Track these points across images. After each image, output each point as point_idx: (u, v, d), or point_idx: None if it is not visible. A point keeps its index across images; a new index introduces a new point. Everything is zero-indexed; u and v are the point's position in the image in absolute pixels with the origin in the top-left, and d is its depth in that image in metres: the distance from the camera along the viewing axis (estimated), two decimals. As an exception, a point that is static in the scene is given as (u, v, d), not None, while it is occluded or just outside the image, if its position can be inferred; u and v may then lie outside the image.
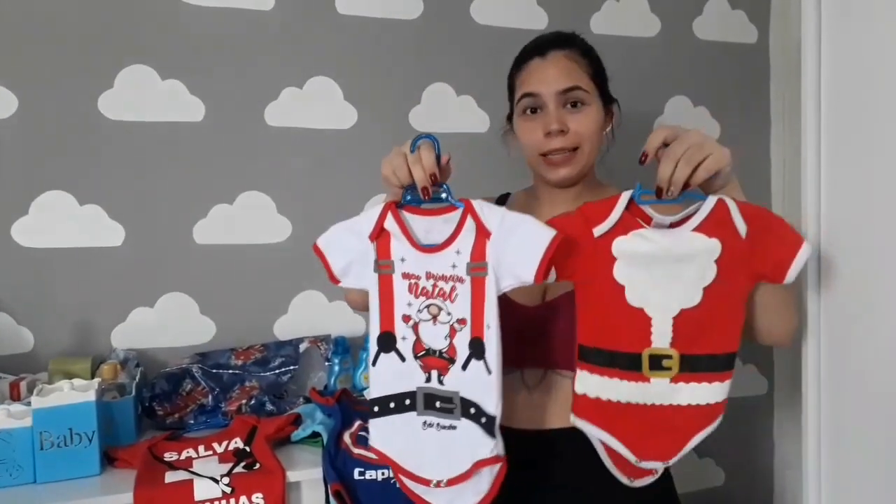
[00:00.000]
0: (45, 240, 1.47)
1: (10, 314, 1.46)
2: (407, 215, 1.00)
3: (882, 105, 1.01)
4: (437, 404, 0.97)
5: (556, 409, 1.07)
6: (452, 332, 0.98)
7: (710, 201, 0.94)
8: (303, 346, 1.51)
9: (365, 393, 1.43)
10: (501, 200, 1.28)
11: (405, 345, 1.00)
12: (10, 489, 1.13)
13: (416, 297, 0.99)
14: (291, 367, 1.47)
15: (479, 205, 0.97)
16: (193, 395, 1.39)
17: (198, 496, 1.12)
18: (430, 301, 0.99)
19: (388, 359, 1.00)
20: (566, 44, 1.15)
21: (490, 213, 0.96)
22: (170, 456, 1.23)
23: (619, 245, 0.95)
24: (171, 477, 1.15)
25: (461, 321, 0.97)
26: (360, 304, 1.09)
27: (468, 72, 1.72)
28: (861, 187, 1.05)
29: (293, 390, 1.49)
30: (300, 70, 1.62)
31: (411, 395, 0.99)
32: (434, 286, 0.98)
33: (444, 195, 0.99)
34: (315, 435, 1.24)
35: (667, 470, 1.14)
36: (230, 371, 1.46)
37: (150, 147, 1.53)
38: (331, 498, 1.10)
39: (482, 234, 0.95)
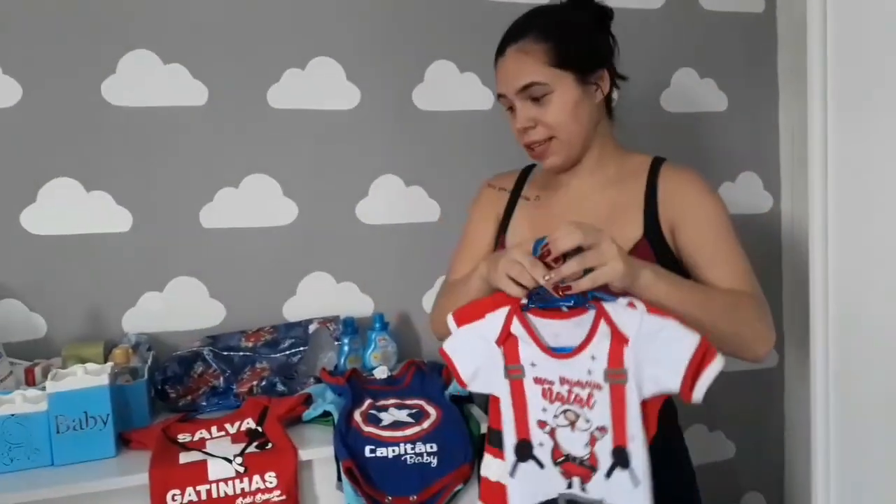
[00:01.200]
0: (54, 227, 1.49)
1: (22, 301, 1.48)
2: (534, 319, 0.97)
3: (888, 74, 1.00)
4: None
5: None
6: (593, 441, 0.93)
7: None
8: (312, 328, 1.52)
9: (375, 372, 1.44)
10: (525, 172, 1.31)
11: (543, 451, 0.95)
12: (28, 472, 1.14)
13: (552, 402, 0.95)
14: (301, 349, 1.48)
15: (612, 308, 0.92)
16: (205, 378, 1.41)
17: (212, 476, 1.13)
18: (567, 407, 0.95)
19: (526, 467, 0.96)
20: (520, 34, 1.13)
21: (626, 318, 0.91)
22: (183, 437, 1.24)
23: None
24: (185, 458, 1.16)
25: (601, 429, 0.92)
26: (444, 333, 1.07)
27: (471, 49, 1.70)
28: (869, 157, 1.04)
29: (303, 371, 1.50)
30: (302, 51, 1.61)
31: (553, 502, 0.95)
32: (570, 392, 0.94)
33: (572, 299, 0.95)
34: (326, 414, 1.25)
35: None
36: (241, 353, 1.47)
37: (155, 132, 1.53)
38: (342, 475, 1.12)
39: (618, 339, 0.91)
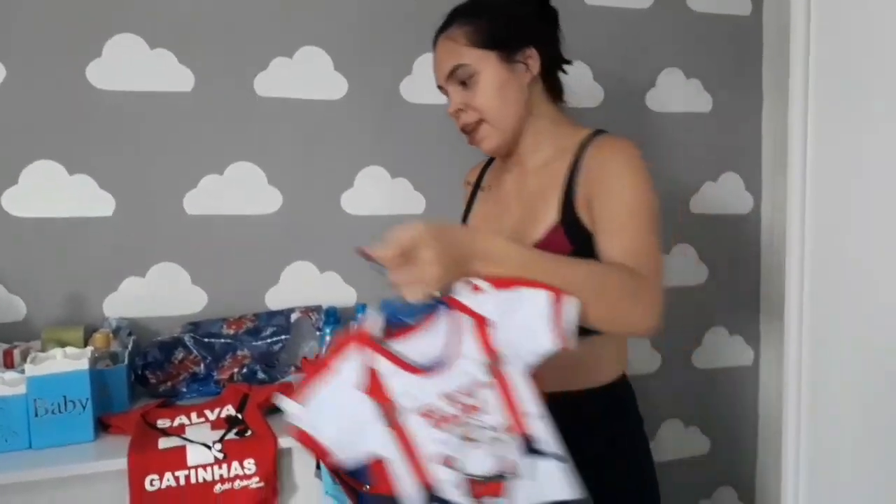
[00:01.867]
0: (36, 209, 1.48)
1: (1, 283, 1.47)
2: (393, 345, 0.86)
3: (870, 81, 1.02)
4: None
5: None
6: (499, 447, 0.84)
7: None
8: (294, 316, 1.53)
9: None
10: (490, 160, 1.33)
11: (448, 487, 0.83)
12: (6, 454, 1.14)
13: (443, 429, 0.84)
14: (283, 337, 1.48)
15: (461, 295, 0.85)
16: (185, 364, 1.41)
17: (190, 461, 1.14)
18: (460, 426, 0.84)
19: None
20: (448, 22, 1.16)
21: (480, 300, 0.85)
22: (163, 423, 1.25)
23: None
24: (164, 443, 1.17)
25: (496, 429, 0.84)
26: None
27: (460, 42, 1.71)
28: (847, 163, 1.07)
29: (284, 359, 1.50)
30: (290, 39, 1.60)
31: None
32: (459, 406, 0.85)
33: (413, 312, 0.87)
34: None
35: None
36: (222, 340, 1.47)
37: (140, 117, 1.52)
38: (320, 464, 1.12)
39: (482, 325, 0.85)
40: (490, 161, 1.33)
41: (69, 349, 1.23)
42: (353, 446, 0.85)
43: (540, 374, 0.87)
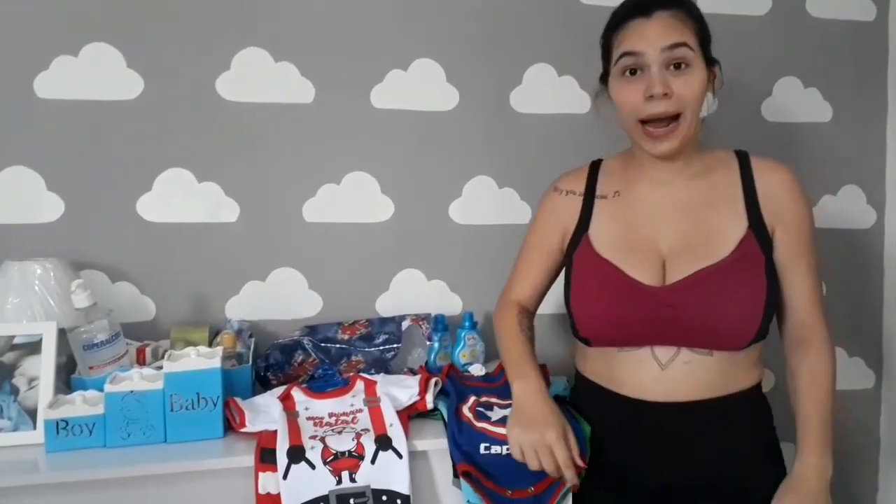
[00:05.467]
0: (167, 215, 1.56)
1: (135, 285, 1.55)
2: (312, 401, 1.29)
3: None
4: (352, 501, 1.10)
5: (689, 384, 1.09)
6: (358, 436, 1.16)
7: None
8: (405, 324, 1.55)
9: (470, 369, 1.46)
10: (593, 170, 1.28)
11: (314, 453, 1.13)
12: (143, 447, 1.20)
13: (322, 427, 1.20)
14: (395, 346, 1.50)
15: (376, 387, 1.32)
16: (304, 366, 1.44)
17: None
18: (334, 427, 1.20)
19: (298, 469, 1.11)
20: (671, 4, 1.10)
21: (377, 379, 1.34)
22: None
23: None
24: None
25: (365, 430, 1.18)
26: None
27: (569, 52, 1.70)
28: None
29: (395, 366, 1.53)
30: (405, 52, 1.64)
31: (324, 498, 1.10)
32: (337, 420, 1.22)
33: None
34: (431, 410, 1.28)
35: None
36: (337, 345, 1.50)
37: (264, 127, 1.58)
38: (460, 476, 1.13)
39: (370, 384, 1.32)
40: (594, 169, 1.29)
41: (202, 348, 1.28)
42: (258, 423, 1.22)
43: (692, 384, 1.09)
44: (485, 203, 1.70)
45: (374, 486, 1.11)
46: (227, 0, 1.55)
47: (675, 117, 1.08)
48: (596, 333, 1.16)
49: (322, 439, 1.17)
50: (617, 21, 1.14)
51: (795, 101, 1.81)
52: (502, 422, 1.18)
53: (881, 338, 1.88)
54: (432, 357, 1.54)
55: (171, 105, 1.54)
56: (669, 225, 1.15)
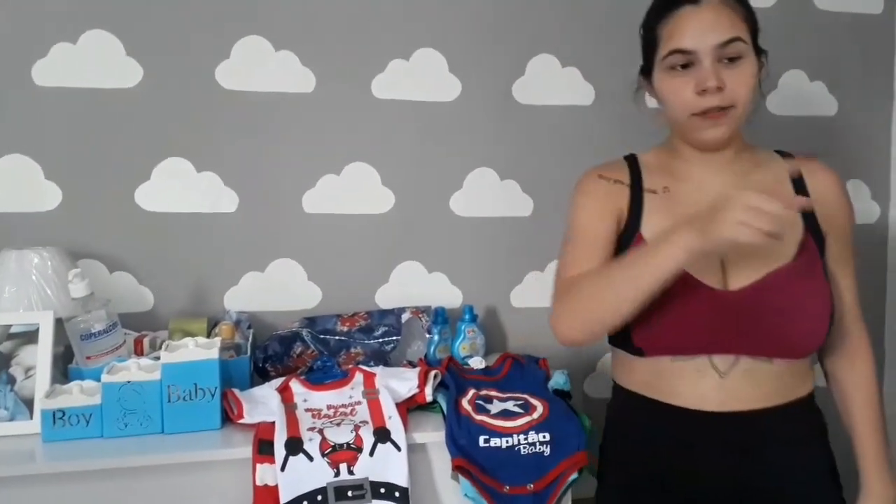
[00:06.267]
0: (166, 204, 1.55)
1: (133, 274, 1.55)
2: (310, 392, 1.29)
3: None
4: (350, 493, 1.11)
5: (751, 392, 1.04)
6: (357, 428, 1.16)
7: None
8: (405, 317, 1.54)
9: (470, 362, 1.45)
10: (632, 164, 1.16)
11: (312, 445, 1.13)
12: (141, 437, 1.19)
13: (320, 419, 1.20)
14: (395, 338, 1.49)
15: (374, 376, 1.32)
16: (303, 358, 1.43)
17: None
18: (333, 419, 1.20)
19: (296, 461, 1.12)
20: None
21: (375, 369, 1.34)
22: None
23: None
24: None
25: (364, 422, 1.18)
26: (574, 338, 1.07)
27: (573, 43, 1.69)
28: None
29: (395, 358, 1.52)
30: (407, 42, 1.62)
31: (322, 490, 1.11)
32: (336, 412, 1.23)
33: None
34: (430, 403, 1.28)
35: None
36: (336, 337, 1.50)
37: (264, 117, 1.57)
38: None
39: (369, 376, 1.32)
40: (632, 163, 1.17)
41: (200, 339, 1.27)
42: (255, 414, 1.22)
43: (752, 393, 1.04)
44: (486, 195, 1.69)
45: (373, 478, 1.11)
46: (227, -13, 1.54)
47: (728, 108, 1.02)
48: (653, 342, 1.06)
49: (320, 431, 1.16)
50: (662, 9, 1.05)
51: (801, 95, 1.80)
52: (502, 415, 1.18)
53: (884, 333, 1.87)
54: (432, 350, 1.53)
55: (171, 93, 1.53)
56: None
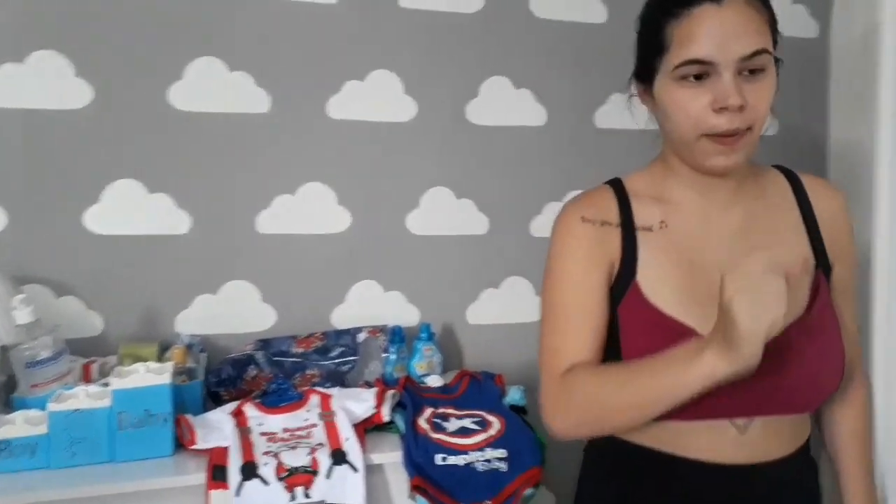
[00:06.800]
0: (116, 227, 1.51)
1: (81, 299, 1.51)
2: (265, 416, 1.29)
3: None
4: None
5: (772, 443, 0.93)
6: (313, 451, 1.17)
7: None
8: (361, 336, 1.54)
9: (427, 380, 1.45)
10: (617, 190, 0.99)
11: (267, 469, 1.14)
12: (91, 467, 1.17)
13: (276, 443, 1.20)
14: (352, 358, 1.49)
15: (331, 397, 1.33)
16: (258, 381, 1.42)
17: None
18: (288, 442, 1.20)
19: (251, 486, 1.12)
20: None
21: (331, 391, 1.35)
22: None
23: None
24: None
25: (320, 445, 1.19)
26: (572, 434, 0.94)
27: (526, 65, 1.72)
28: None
29: (352, 378, 1.51)
30: (362, 63, 1.63)
31: None
32: (291, 435, 1.23)
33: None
34: (388, 423, 1.28)
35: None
36: (291, 359, 1.48)
37: (217, 138, 1.56)
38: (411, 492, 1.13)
39: (325, 397, 1.33)
40: (619, 192, 1.00)
41: (151, 364, 1.25)
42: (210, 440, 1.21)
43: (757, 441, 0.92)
44: (442, 214, 1.70)
45: (329, 500, 1.11)
46: (180, 9, 1.53)
47: (746, 130, 0.87)
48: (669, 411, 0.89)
49: (276, 455, 1.15)
50: (673, 3, 0.87)
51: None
52: (459, 433, 1.19)
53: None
54: (389, 369, 1.53)
55: (122, 115, 1.51)
56: (732, 263, 0.82)
